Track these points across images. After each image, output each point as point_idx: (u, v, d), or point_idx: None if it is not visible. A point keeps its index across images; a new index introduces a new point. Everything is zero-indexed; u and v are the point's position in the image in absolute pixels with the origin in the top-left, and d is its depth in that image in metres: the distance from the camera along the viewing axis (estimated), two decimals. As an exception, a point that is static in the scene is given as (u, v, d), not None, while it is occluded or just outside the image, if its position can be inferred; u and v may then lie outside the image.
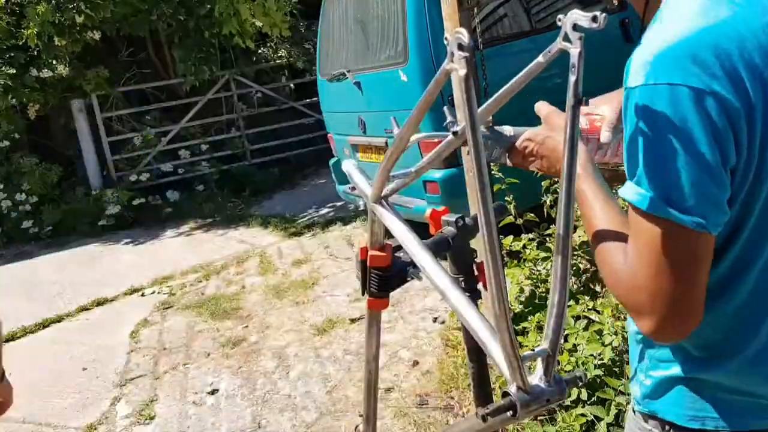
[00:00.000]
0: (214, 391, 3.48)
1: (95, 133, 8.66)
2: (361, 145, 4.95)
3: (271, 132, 9.50)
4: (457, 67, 0.66)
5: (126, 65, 9.00)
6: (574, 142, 0.71)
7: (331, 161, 5.62)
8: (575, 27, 0.67)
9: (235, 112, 9.43)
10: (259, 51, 9.34)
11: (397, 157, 0.96)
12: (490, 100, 0.86)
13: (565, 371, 2.42)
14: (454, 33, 0.66)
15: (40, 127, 8.68)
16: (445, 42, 0.69)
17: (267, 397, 3.34)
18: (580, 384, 0.76)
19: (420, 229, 1.29)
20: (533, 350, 0.73)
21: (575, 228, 2.94)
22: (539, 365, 0.73)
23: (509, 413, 0.72)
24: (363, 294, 1.10)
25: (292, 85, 10.36)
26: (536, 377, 0.73)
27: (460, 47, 0.66)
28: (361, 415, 1.32)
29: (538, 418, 2.47)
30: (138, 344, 4.31)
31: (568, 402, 2.41)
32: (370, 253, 1.07)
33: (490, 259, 0.67)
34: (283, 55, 9.37)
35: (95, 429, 3.33)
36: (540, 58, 0.75)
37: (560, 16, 0.69)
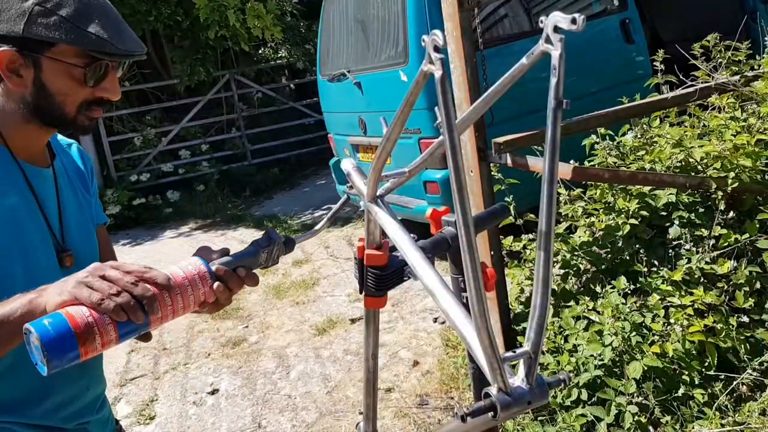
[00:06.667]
0: (214, 391, 3.48)
1: (95, 132, 8.66)
2: (362, 146, 4.95)
3: (272, 132, 9.52)
4: (434, 69, 0.67)
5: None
6: (555, 144, 0.71)
7: (332, 161, 5.62)
8: (556, 29, 0.67)
9: (235, 112, 9.44)
10: (260, 51, 9.36)
11: (386, 156, 0.96)
12: (478, 101, 0.85)
13: (565, 372, 2.42)
14: (430, 35, 0.67)
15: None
16: (423, 44, 0.70)
17: (267, 397, 3.34)
18: (564, 387, 0.76)
19: (421, 229, 1.29)
20: (515, 352, 0.73)
21: (576, 228, 2.94)
22: (521, 366, 0.73)
23: (490, 414, 0.71)
24: (361, 293, 1.10)
25: (292, 86, 10.39)
26: (518, 379, 0.73)
27: (436, 49, 0.67)
28: (361, 413, 1.32)
29: (539, 418, 2.47)
30: (138, 344, 4.31)
31: (568, 402, 2.41)
32: (367, 252, 1.07)
33: (468, 259, 0.67)
34: (283, 55, 9.38)
35: (95, 429, 3.33)
36: (524, 60, 0.75)
37: (542, 18, 0.69)
